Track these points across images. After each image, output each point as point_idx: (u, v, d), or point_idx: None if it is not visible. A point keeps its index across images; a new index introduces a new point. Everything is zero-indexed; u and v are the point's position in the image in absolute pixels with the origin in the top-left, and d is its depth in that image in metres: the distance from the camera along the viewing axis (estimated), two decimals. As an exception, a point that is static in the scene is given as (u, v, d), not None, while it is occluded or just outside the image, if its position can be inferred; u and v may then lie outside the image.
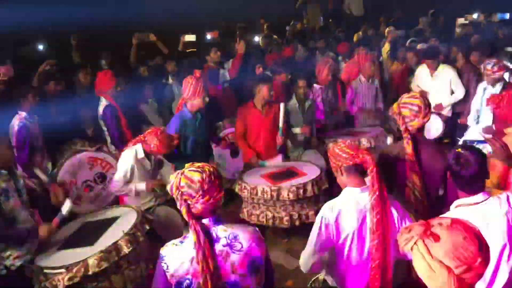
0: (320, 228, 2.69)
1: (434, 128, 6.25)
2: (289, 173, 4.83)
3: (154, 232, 3.89)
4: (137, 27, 7.99)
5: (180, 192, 2.26)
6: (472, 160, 2.49)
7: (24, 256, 3.35)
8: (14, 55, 7.12)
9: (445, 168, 2.75)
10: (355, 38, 9.14)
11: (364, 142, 5.72)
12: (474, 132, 5.68)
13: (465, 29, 8.51)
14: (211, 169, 2.32)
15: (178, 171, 2.34)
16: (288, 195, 4.47)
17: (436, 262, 1.60)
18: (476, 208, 2.49)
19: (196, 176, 2.25)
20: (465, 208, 2.51)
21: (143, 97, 5.93)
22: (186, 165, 2.36)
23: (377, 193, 2.60)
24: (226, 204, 4.90)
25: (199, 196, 2.24)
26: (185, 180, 2.26)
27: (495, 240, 2.45)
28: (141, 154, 4.21)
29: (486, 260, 1.64)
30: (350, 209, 2.70)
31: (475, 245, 1.61)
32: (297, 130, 5.63)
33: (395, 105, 3.29)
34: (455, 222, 1.69)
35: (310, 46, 8.66)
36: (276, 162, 5.10)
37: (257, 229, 2.39)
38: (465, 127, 5.89)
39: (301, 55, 8.03)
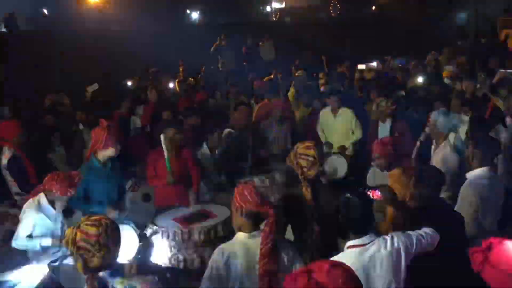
0: (211, 272, 2.80)
1: (339, 168, 6.68)
2: (200, 215, 4.90)
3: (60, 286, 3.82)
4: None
5: (75, 247, 2.31)
6: (359, 205, 2.76)
7: None
8: None
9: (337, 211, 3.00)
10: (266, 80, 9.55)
11: (278, 178, 5.95)
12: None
13: (364, 74, 9.30)
14: (108, 222, 2.40)
15: (73, 225, 2.40)
16: (199, 237, 4.57)
17: None
18: (364, 249, 2.74)
19: (92, 230, 2.32)
20: (355, 249, 2.75)
21: (50, 146, 5.82)
22: (82, 218, 2.42)
23: (269, 244, 2.76)
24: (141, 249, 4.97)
25: (95, 250, 2.30)
26: (81, 234, 2.32)
27: (382, 278, 2.70)
28: (44, 203, 4.13)
29: None
30: (239, 254, 2.83)
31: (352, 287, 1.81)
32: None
33: (292, 155, 3.55)
34: (333, 266, 1.87)
35: (224, 90, 8.93)
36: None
37: (156, 278, 2.49)
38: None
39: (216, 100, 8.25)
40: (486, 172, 3.87)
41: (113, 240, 2.36)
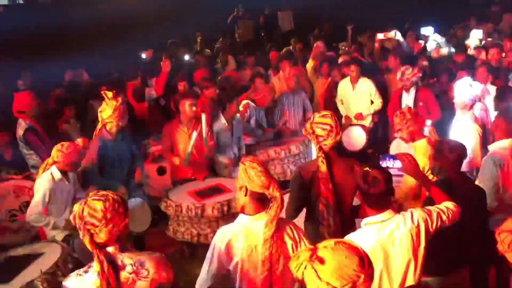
0: (212, 254, 2.64)
1: (358, 139, 6.53)
2: (215, 190, 4.89)
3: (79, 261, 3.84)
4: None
5: (82, 222, 2.27)
6: (380, 179, 2.59)
7: None
8: None
9: (356, 186, 2.85)
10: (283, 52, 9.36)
11: (294, 149, 5.89)
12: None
13: (383, 43, 9.00)
14: (115, 197, 2.34)
15: (80, 201, 2.35)
16: (212, 212, 4.53)
17: (324, 284, 1.71)
18: (382, 226, 2.62)
19: (99, 205, 2.28)
20: (373, 226, 2.63)
21: (64, 117, 5.81)
22: (90, 193, 2.38)
23: (273, 229, 2.57)
24: (155, 222, 4.97)
25: (102, 225, 2.26)
26: (88, 209, 2.28)
27: (400, 256, 2.60)
28: (57, 176, 4.10)
29: (369, 276, 1.75)
30: (240, 237, 2.62)
31: (357, 263, 1.73)
32: (222, 159, 5.58)
33: (308, 125, 3.35)
34: (338, 242, 1.79)
35: (241, 61, 8.78)
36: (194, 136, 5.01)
37: (163, 254, 2.44)
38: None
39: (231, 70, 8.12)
40: (509, 143, 3.70)
41: (120, 215, 2.30)
